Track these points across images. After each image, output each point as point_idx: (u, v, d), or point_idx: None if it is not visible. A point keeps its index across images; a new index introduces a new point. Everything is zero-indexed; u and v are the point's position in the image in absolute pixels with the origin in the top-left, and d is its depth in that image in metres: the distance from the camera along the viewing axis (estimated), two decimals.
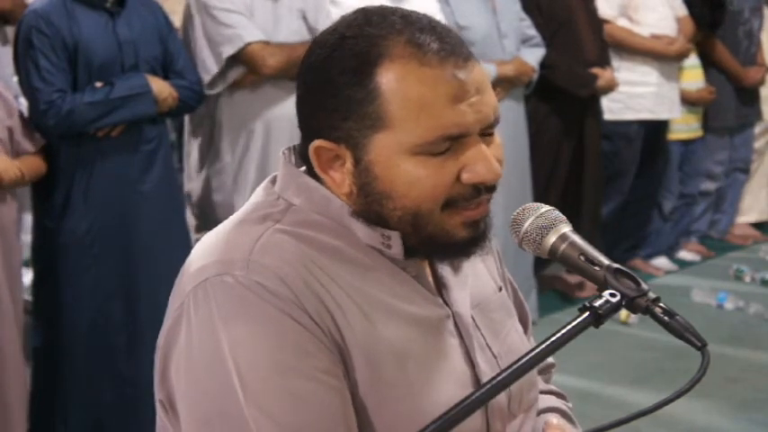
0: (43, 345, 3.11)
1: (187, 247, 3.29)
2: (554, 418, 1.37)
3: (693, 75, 5.44)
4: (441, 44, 1.12)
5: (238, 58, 3.33)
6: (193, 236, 3.51)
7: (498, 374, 1.03)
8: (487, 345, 1.26)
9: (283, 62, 3.31)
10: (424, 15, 1.16)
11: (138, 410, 3.19)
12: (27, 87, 2.98)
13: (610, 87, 4.66)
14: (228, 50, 3.29)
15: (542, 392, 1.43)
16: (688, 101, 5.37)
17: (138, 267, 3.15)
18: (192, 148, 3.58)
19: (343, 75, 1.12)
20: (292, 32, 3.41)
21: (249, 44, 3.29)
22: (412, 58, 1.11)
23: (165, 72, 3.21)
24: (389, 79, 1.11)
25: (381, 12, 1.16)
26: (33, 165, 2.96)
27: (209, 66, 3.34)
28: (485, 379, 1.19)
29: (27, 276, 3.27)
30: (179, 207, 3.39)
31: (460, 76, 1.11)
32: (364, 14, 1.16)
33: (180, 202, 3.42)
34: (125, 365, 3.14)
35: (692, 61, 5.42)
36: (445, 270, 1.26)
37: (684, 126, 5.48)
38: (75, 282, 3.07)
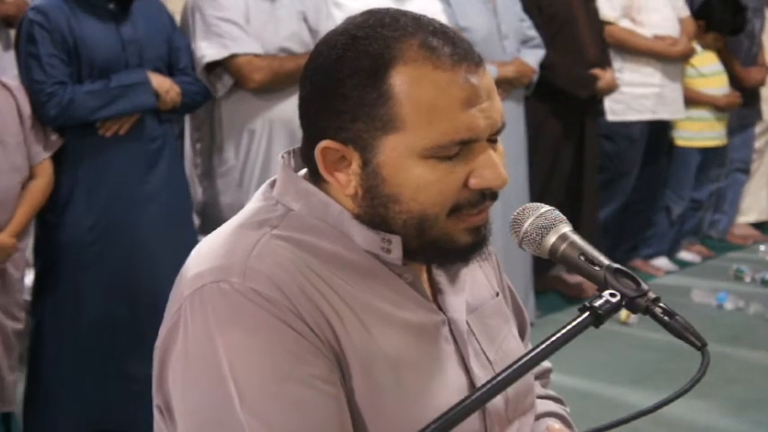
0: (42, 343, 3.10)
1: (192, 247, 3.29)
2: (556, 424, 1.37)
3: (718, 81, 5.42)
4: (453, 48, 1.12)
5: (227, 68, 3.31)
6: (199, 237, 3.50)
7: (498, 375, 1.02)
8: (482, 350, 1.26)
9: (269, 77, 3.30)
10: (434, 19, 1.16)
11: (142, 409, 3.18)
12: (28, 81, 2.99)
13: (610, 88, 4.66)
14: (212, 55, 3.26)
15: (540, 397, 1.43)
16: (717, 107, 5.37)
17: (141, 266, 3.13)
18: (196, 151, 3.57)
19: (355, 75, 1.11)
20: (292, 34, 3.39)
21: (236, 56, 3.27)
22: (426, 61, 1.10)
23: (170, 71, 3.21)
24: (403, 82, 1.10)
25: (392, 14, 1.15)
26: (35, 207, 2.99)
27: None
28: (479, 384, 1.17)
29: (28, 276, 3.26)
30: (185, 206, 3.38)
31: (473, 80, 1.11)
32: (375, 16, 1.15)
33: (186, 202, 3.40)
34: (127, 364, 3.12)
35: (716, 67, 5.41)
36: (441, 276, 1.25)
37: (713, 133, 5.46)
38: (76, 278, 3.06)
